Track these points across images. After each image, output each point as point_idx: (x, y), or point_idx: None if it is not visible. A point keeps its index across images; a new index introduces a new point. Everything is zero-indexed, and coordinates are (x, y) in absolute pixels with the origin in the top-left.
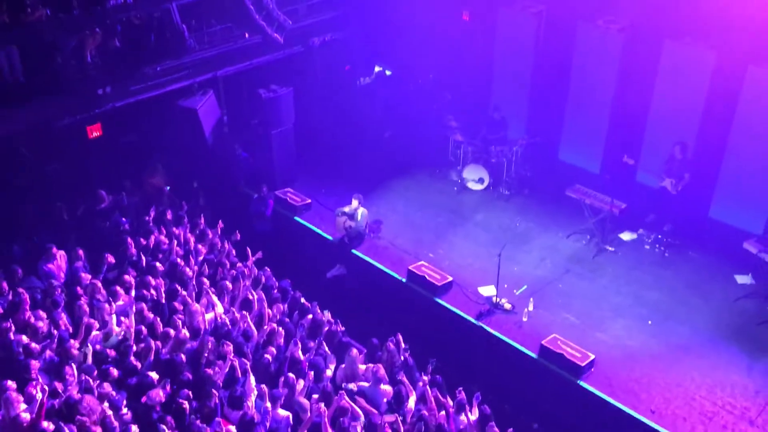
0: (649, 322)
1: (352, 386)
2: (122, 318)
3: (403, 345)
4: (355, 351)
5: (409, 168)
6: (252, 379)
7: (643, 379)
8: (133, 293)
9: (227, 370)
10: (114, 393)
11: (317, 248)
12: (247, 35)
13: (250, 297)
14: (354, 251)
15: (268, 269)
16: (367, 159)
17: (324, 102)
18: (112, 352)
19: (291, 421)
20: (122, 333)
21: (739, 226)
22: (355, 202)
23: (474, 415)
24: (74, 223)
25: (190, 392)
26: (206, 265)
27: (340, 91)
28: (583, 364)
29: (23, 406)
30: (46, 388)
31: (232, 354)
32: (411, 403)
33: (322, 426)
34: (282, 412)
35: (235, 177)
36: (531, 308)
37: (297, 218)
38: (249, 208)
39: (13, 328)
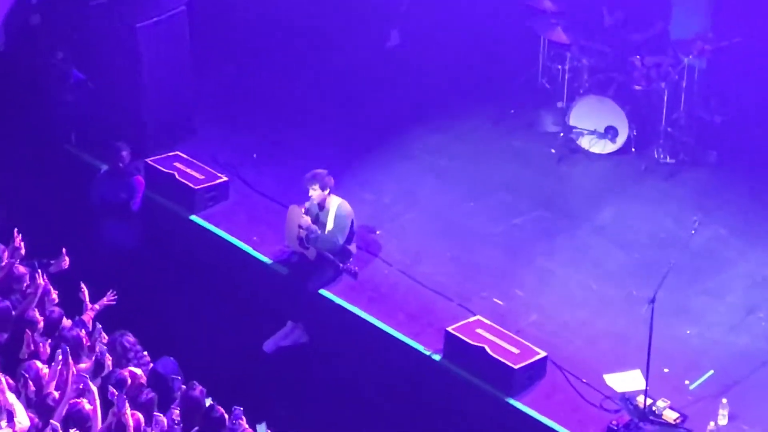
0: None
1: None
2: None
3: None
4: None
5: (448, 106)
6: None
7: None
8: None
9: None
10: None
11: (243, 284)
12: None
13: (88, 404)
14: (322, 291)
15: (130, 335)
16: (358, 86)
17: None
18: None
19: None
20: None
21: None
22: (317, 189)
23: None
24: None
25: None
26: None
27: None
28: None
29: None
30: None
31: None
32: None
33: None
34: None
35: (56, 125)
36: (723, 421)
37: (195, 218)
38: (88, 196)
39: None
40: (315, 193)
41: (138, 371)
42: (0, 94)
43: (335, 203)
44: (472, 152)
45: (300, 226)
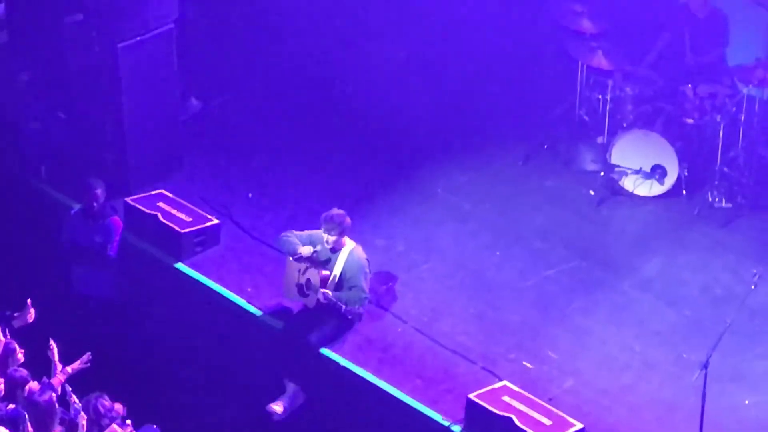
0: None
1: None
2: None
3: None
4: None
5: (474, 140)
6: None
7: None
8: None
9: None
10: None
11: (234, 341)
12: None
13: None
14: (325, 351)
15: (106, 398)
16: (370, 116)
17: None
18: None
19: None
20: None
21: None
22: (335, 234)
23: None
24: None
25: None
26: None
27: None
28: None
29: None
30: None
31: None
32: None
33: None
34: None
35: (23, 157)
36: None
37: (181, 266)
38: (59, 239)
39: None
40: (332, 237)
41: None
42: None
43: (348, 248)
44: (500, 194)
45: (303, 277)
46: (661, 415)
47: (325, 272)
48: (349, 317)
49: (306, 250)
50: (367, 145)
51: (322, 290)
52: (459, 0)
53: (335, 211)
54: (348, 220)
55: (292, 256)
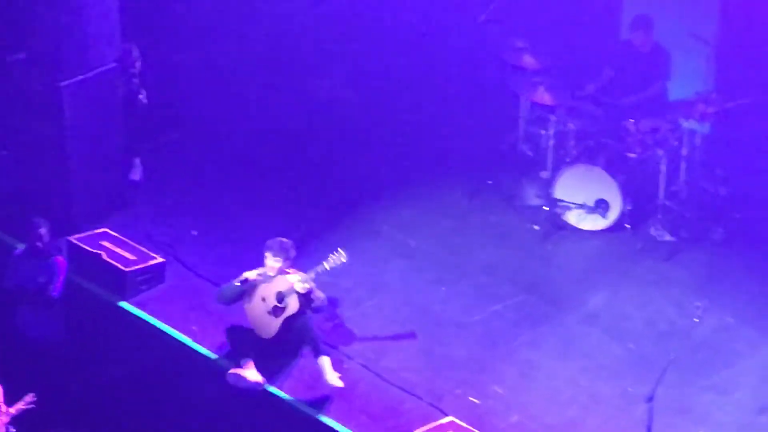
0: None
1: None
2: None
3: None
4: None
5: (418, 176)
6: None
7: None
8: None
9: None
10: None
11: (183, 382)
12: None
13: None
14: (271, 389)
15: None
16: (314, 152)
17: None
18: None
19: None
20: None
21: None
22: (279, 261)
23: None
24: None
25: None
26: None
27: None
28: None
29: None
30: None
31: None
32: None
33: None
34: None
35: None
36: None
37: (126, 305)
38: (1, 279)
39: None
40: (276, 264)
41: None
42: None
43: (292, 273)
44: (445, 229)
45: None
46: None
47: (288, 277)
48: (320, 309)
49: (251, 273)
50: (312, 182)
51: (302, 280)
52: (404, 36)
53: (282, 239)
54: (294, 251)
55: (235, 293)
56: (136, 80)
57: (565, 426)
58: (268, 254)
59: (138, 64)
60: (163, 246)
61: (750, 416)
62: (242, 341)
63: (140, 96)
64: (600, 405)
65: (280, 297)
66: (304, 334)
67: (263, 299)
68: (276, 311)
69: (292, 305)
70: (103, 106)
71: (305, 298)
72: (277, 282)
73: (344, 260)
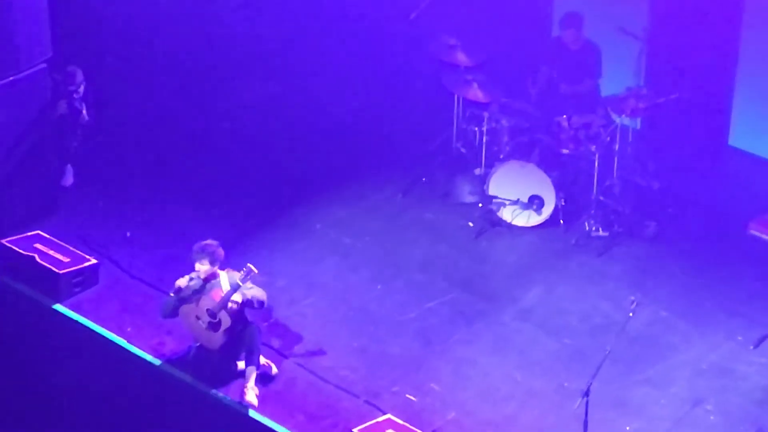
0: None
1: None
2: None
3: None
4: None
5: (352, 174)
6: None
7: None
8: None
9: None
10: None
11: (118, 383)
12: None
13: None
14: (209, 391)
15: None
16: (248, 151)
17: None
18: None
19: None
20: None
21: None
22: (206, 264)
23: None
24: None
25: None
26: None
27: None
28: None
29: None
30: None
31: None
32: None
33: None
34: None
35: None
36: None
37: (59, 307)
38: None
39: None
40: (204, 267)
41: None
42: None
43: (223, 273)
44: (380, 227)
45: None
46: None
47: (219, 291)
48: (264, 308)
49: (182, 281)
50: (245, 180)
51: (232, 300)
52: (335, 33)
53: (207, 242)
54: (221, 251)
55: (173, 305)
56: (79, 100)
57: (501, 422)
58: (195, 259)
59: (81, 89)
60: (96, 248)
61: (685, 409)
62: (196, 351)
63: (83, 113)
64: (536, 400)
65: (212, 313)
66: (249, 343)
67: (197, 318)
68: (213, 326)
69: (225, 319)
70: (33, 107)
71: (243, 305)
72: (210, 294)
73: (255, 272)
